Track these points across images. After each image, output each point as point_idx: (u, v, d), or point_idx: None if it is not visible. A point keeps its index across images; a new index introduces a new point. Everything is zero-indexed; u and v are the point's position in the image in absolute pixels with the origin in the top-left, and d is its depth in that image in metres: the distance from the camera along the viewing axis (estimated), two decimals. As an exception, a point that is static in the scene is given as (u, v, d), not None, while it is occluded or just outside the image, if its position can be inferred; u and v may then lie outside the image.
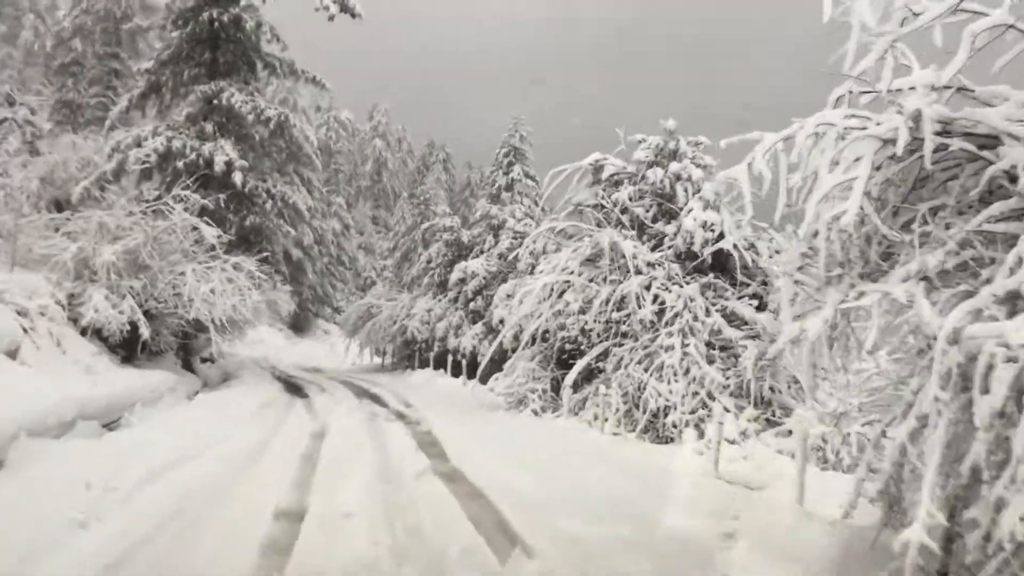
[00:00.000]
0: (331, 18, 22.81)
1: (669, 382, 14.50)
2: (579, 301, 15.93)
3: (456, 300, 28.03)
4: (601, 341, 15.60)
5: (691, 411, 14.31)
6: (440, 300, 28.78)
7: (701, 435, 13.40)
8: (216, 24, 22.91)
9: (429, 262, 30.30)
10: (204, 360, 28.44)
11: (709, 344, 15.10)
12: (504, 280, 26.81)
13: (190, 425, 12.11)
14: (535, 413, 15.81)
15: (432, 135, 72.77)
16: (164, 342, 20.79)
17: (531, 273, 25.74)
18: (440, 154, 72.77)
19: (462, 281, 27.11)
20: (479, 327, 26.09)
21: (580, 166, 17.77)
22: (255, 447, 10.16)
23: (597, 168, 17.75)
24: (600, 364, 15.54)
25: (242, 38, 23.67)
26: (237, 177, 22.56)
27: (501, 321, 24.70)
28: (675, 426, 14.10)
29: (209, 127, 23.21)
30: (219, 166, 22.45)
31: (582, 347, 15.95)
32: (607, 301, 15.56)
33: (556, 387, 16.37)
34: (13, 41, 51.51)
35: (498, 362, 25.49)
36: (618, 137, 17.81)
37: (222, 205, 23.02)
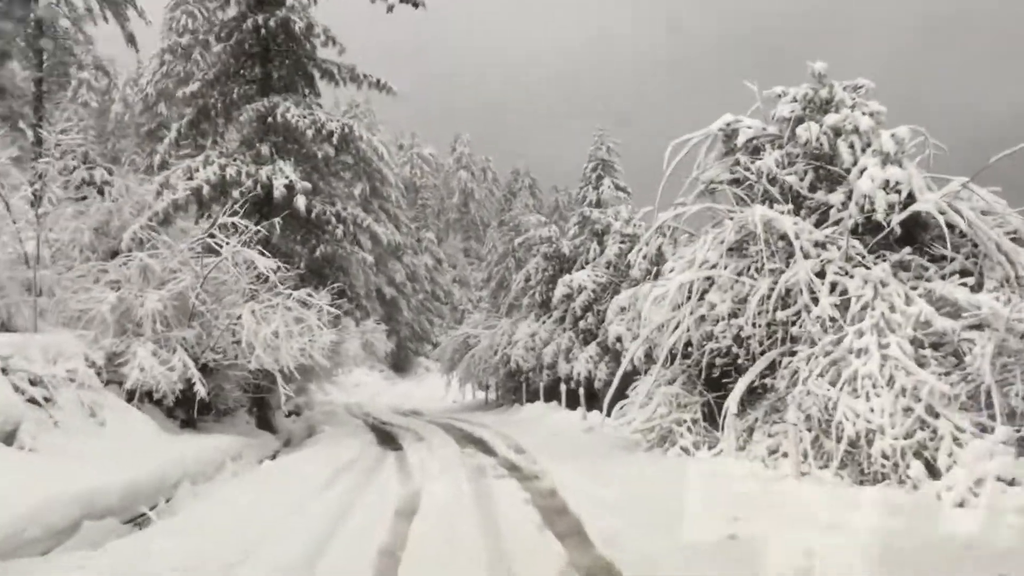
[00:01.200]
0: (390, 8, 20.18)
1: (868, 397, 10.89)
2: (728, 301, 12.50)
3: (563, 320, 24.81)
4: (765, 350, 12.11)
5: (906, 435, 10.67)
6: (544, 322, 25.62)
7: (931, 470, 9.82)
8: (263, 31, 20.52)
9: (527, 280, 27.21)
10: (289, 414, 25.99)
11: (916, 342, 11.43)
12: (616, 291, 23.48)
13: (235, 511, 9.20)
14: (685, 451, 12.37)
15: (515, 162, 73.06)
16: (232, 398, 18.24)
17: (649, 278, 22.37)
18: (526, 180, 72.61)
19: (567, 297, 23.90)
20: (592, 349, 22.79)
21: (708, 133, 14.40)
22: (311, 550, 7.09)
23: (729, 134, 14.33)
24: (767, 380, 12.03)
25: (294, 46, 21.23)
26: (300, 201, 19.99)
27: (618, 339, 21.40)
28: (886, 457, 10.49)
29: (265, 149, 20.77)
30: (279, 191, 19.94)
31: (739, 360, 12.48)
32: (767, 297, 12.08)
33: (709, 414, 12.90)
34: (105, 116, 51.31)
35: (619, 387, 22.13)
36: (745, 97, 14.43)
37: (286, 234, 20.48)
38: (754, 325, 12.02)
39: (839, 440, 10.84)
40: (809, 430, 11.12)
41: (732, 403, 11.63)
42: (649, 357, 14.48)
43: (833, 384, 11.13)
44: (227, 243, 16.27)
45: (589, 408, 20.45)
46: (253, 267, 16.67)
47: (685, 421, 12.56)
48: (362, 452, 16.64)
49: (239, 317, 15.66)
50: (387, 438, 20.52)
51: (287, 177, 20.14)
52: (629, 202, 25.89)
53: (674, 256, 14.52)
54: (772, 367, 11.96)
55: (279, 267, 16.35)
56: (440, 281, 60.22)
